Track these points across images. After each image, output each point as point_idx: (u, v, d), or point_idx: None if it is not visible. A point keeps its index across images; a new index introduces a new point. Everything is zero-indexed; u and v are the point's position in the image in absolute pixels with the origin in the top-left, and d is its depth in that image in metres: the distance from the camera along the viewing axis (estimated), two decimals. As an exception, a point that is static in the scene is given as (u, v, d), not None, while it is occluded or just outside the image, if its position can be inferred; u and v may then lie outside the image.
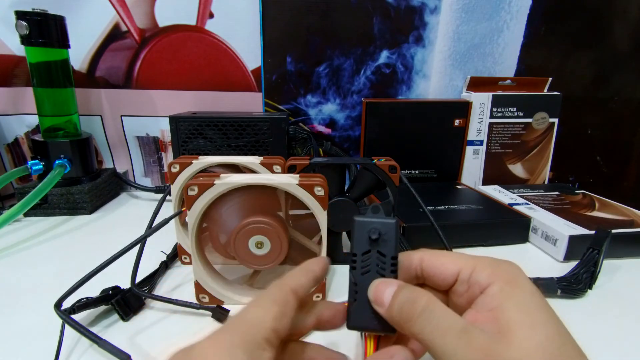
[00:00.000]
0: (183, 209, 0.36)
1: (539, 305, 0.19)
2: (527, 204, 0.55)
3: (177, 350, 0.18)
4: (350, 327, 0.21)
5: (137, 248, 0.34)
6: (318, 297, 0.36)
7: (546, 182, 0.71)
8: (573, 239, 0.44)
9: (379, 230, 0.21)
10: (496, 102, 0.66)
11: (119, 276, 0.36)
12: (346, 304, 0.22)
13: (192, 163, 0.40)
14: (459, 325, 0.18)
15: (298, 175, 0.35)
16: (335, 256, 0.44)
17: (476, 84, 0.67)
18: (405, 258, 0.23)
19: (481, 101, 0.66)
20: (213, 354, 0.17)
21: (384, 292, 0.20)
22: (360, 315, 0.21)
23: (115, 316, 0.34)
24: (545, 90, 0.69)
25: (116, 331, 0.32)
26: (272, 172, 0.40)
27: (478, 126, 0.67)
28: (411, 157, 0.67)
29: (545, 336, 0.17)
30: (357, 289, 0.21)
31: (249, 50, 0.64)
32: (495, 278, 0.20)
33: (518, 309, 0.18)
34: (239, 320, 0.19)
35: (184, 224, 0.43)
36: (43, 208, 0.57)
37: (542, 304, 0.19)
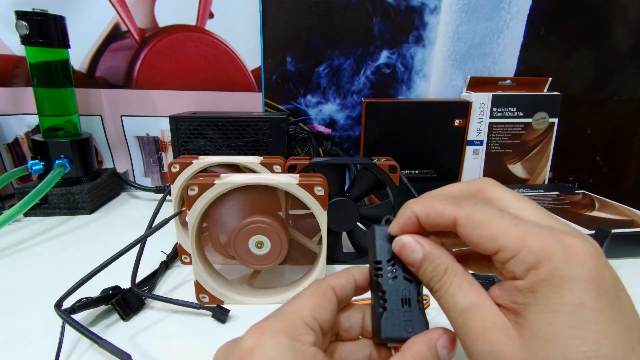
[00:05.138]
0: (183, 209, 0.36)
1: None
2: (527, 204, 0.55)
3: (225, 342, 0.19)
4: (383, 340, 0.20)
5: (137, 248, 0.34)
6: None
7: (546, 182, 0.71)
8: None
9: None
10: (496, 102, 0.66)
11: (119, 276, 0.36)
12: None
13: (192, 163, 0.40)
14: (464, 305, 0.17)
15: (298, 175, 0.36)
16: (335, 256, 0.44)
17: (476, 84, 0.67)
18: (435, 213, 0.20)
19: (481, 101, 0.66)
20: (257, 340, 0.18)
21: (410, 255, 0.20)
22: (393, 324, 0.20)
23: (116, 316, 0.34)
24: (545, 90, 0.69)
25: (116, 331, 0.32)
26: (272, 172, 0.40)
27: (478, 126, 0.67)
28: (411, 157, 0.67)
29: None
30: (387, 297, 0.20)
31: (249, 50, 0.64)
32: (538, 276, 0.16)
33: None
34: (280, 310, 0.20)
35: (184, 224, 0.43)
36: (43, 208, 0.57)
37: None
